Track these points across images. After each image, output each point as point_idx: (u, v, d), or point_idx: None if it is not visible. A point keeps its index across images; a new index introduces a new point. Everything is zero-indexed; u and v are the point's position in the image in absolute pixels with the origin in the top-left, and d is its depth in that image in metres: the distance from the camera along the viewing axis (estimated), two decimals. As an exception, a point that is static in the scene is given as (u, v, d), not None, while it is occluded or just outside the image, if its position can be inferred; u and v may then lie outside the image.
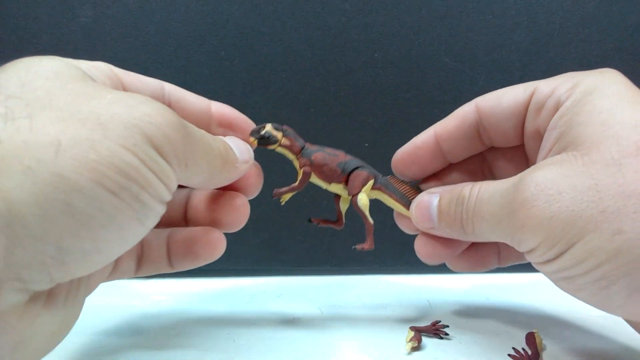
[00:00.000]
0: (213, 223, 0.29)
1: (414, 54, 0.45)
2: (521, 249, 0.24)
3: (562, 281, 0.23)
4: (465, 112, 0.30)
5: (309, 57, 0.45)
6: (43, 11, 0.43)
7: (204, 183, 0.26)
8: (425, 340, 0.30)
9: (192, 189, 0.31)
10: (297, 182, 0.30)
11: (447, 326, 0.32)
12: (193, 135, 0.23)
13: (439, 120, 0.47)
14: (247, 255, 0.45)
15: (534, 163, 0.28)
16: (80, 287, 0.23)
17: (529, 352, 0.28)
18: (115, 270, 0.29)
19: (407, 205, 0.32)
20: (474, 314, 0.35)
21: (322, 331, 0.32)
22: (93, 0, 0.43)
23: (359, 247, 0.31)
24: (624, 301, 0.21)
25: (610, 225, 0.21)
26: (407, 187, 0.32)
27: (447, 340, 0.31)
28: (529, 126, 0.28)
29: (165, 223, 0.30)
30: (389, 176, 0.32)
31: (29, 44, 0.43)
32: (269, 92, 0.45)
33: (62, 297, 0.21)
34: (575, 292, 0.23)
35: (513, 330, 0.32)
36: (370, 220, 0.31)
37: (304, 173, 0.30)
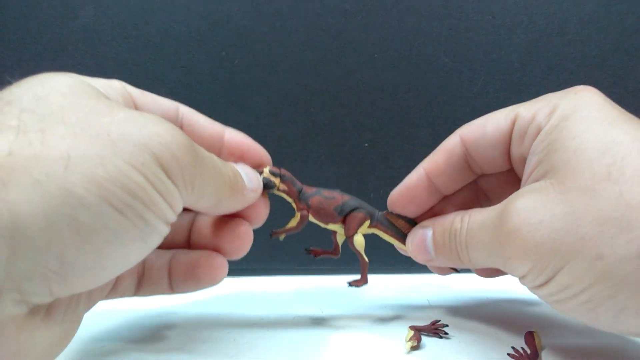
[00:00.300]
0: (216, 248, 0.30)
1: (414, 54, 0.45)
2: (514, 275, 0.25)
3: (554, 303, 0.24)
4: (451, 146, 0.30)
5: (309, 57, 0.45)
6: (44, 11, 0.43)
7: (210, 208, 0.26)
8: (425, 339, 0.31)
9: (197, 213, 0.31)
10: (295, 224, 0.31)
11: (447, 325, 0.32)
12: (202, 158, 0.23)
13: (438, 120, 0.47)
14: (247, 255, 0.46)
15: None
16: (79, 303, 0.23)
17: (528, 352, 0.28)
18: (115, 289, 0.29)
19: (404, 239, 0.33)
20: (474, 314, 0.35)
21: (322, 331, 0.32)
22: (94, 0, 0.43)
23: (353, 283, 0.32)
24: (612, 320, 0.22)
25: (590, 252, 0.21)
26: (403, 222, 0.33)
27: (447, 339, 0.31)
28: (515, 152, 0.28)
29: (168, 245, 0.30)
30: (385, 212, 0.33)
31: (30, 44, 0.43)
32: (269, 92, 0.45)
33: (62, 312, 0.21)
34: (567, 313, 0.24)
35: (512, 330, 0.32)
36: (366, 259, 0.32)
37: (301, 216, 0.31)
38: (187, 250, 0.30)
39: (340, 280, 0.41)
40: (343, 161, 0.46)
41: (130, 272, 0.29)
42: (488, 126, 0.29)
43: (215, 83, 0.45)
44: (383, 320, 0.34)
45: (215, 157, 0.25)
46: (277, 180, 0.30)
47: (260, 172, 0.30)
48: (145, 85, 0.45)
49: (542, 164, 0.25)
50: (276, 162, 0.46)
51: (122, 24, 0.44)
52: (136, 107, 0.26)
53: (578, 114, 0.25)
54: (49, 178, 0.18)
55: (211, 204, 0.25)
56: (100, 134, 0.20)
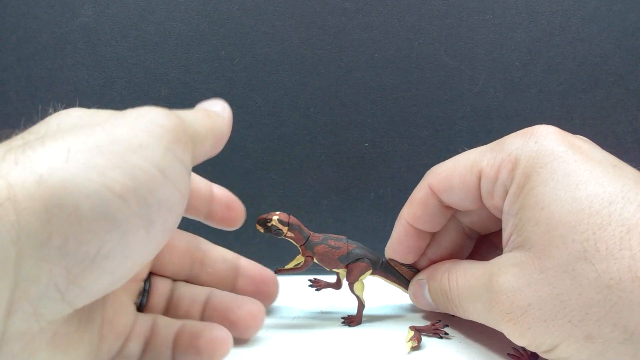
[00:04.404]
0: (228, 324, 0.29)
1: (414, 53, 0.45)
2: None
3: None
4: (424, 197, 0.31)
5: (309, 57, 0.45)
6: (43, 10, 0.43)
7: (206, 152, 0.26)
8: (425, 339, 0.30)
9: (213, 289, 0.31)
10: (300, 267, 0.33)
11: (447, 325, 0.32)
12: (194, 131, 0.23)
13: (438, 119, 0.47)
14: (247, 255, 0.45)
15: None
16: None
17: (529, 352, 0.28)
18: (120, 353, 0.27)
19: (405, 285, 0.35)
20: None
21: (321, 331, 0.32)
22: (93, -1, 0.43)
23: (347, 321, 0.33)
24: None
25: (580, 332, 0.22)
26: (405, 269, 0.35)
27: (447, 339, 0.31)
28: (488, 204, 0.29)
29: (182, 315, 0.30)
30: (388, 259, 0.34)
31: (29, 43, 0.43)
32: (269, 92, 0.45)
33: (74, 346, 0.21)
34: None
35: (513, 330, 0.32)
36: (363, 302, 0.33)
37: (305, 261, 0.33)
38: (196, 321, 0.30)
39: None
40: (343, 161, 0.46)
41: (137, 334, 0.28)
42: (454, 180, 0.30)
43: (214, 82, 0.45)
44: (383, 320, 0.34)
45: (197, 120, 0.25)
46: (285, 229, 0.32)
47: (270, 220, 0.31)
48: (145, 85, 0.45)
49: (518, 231, 0.26)
50: (277, 163, 0.46)
51: (121, 23, 0.44)
52: None
53: (541, 173, 0.25)
54: (50, 171, 0.18)
55: (206, 151, 0.25)
56: (95, 128, 0.20)
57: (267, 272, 0.33)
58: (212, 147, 0.26)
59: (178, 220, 0.23)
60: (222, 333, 0.27)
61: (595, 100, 0.46)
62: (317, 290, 0.35)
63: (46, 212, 0.18)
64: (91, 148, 0.19)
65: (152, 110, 0.22)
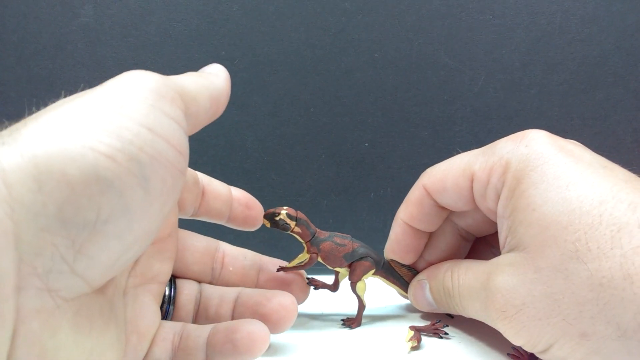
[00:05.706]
0: (260, 318, 0.28)
1: (414, 53, 0.45)
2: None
3: None
4: (420, 198, 0.32)
5: (309, 57, 0.45)
6: (43, 10, 0.43)
7: (203, 111, 0.25)
8: (425, 339, 0.30)
9: (241, 288, 0.31)
10: (304, 264, 0.32)
11: (447, 325, 0.32)
12: (182, 88, 0.23)
13: (438, 119, 0.47)
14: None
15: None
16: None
17: (528, 352, 0.28)
18: (147, 358, 0.26)
19: (404, 287, 0.35)
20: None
21: (322, 331, 0.32)
22: (93, -1, 0.43)
23: (346, 322, 0.33)
24: None
25: (575, 330, 0.23)
26: (405, 270, 0.35)
27: (447, 339, 0.31)
28: (480, 206, 0.30)
29: (212, 319, 0.30)
30: (390, 260, 0.35)
31: (29, 43, 0.43)
32: (269, 92, 0.45)
33: (89, 327, 0.20)
34: None
35: (513, 330, 0.32)
36: (364, 303, 0.33)
37: (310, 258, 0.32)
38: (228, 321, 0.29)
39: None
40: (343, 161, 0.46)
41: (164, 339, 0.27)
42: (448, 182, 0.30)
43: (215, 82, 0.45)
44: (383, 320, 0.34)
45: (187, 77, 0.24)
46: (292, 224, 0.32)
47: (278, 214, 0.31)
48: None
49: (512, 233, 0.26)
50: (277, 163, 0.46)
51: (122, 23, 0.44)
52: None
53: (532, 176, 0.25)
54: (34, 142, 0.18)
55: (205, 109, 0.24)
56: (75, 99, 0.20)
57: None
58: (210, 107, 0.24)
59: (181, 181, 0.22)
60: (260, 326, 0.26)
61: (595, 100, 0.46)
62: (315, 289, 0.35)
63: (35, 181, 0.17)
64: (71, 114, 0.19)
65: (132, 73, 0.22)
